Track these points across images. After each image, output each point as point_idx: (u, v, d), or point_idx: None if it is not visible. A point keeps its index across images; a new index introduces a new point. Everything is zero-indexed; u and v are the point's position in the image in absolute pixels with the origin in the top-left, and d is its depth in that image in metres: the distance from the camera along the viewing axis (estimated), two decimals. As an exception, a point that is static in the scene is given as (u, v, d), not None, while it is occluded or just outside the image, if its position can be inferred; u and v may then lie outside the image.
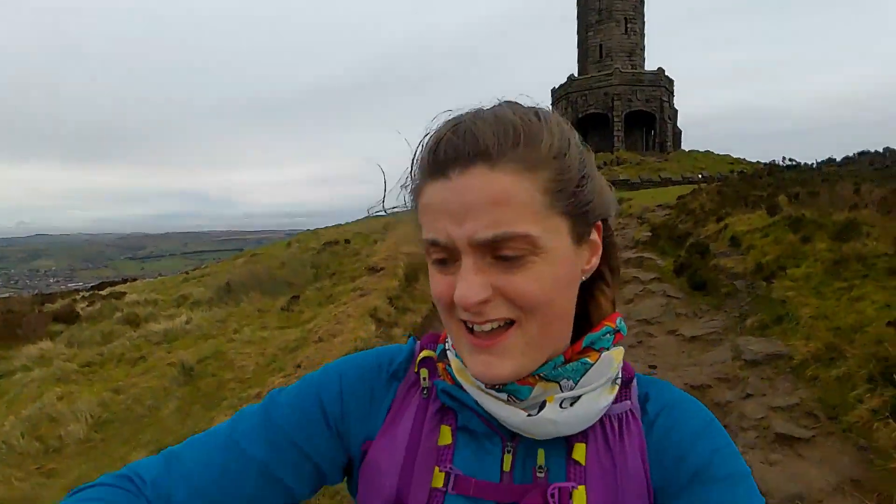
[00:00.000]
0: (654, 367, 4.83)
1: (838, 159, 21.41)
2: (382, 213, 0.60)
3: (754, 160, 32.23)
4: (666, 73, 37.13)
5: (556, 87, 39.53)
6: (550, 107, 0.54)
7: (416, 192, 0.53)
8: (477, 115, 0.51)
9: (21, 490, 4.22)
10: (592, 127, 35.83)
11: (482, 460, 0.55)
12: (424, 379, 0.60)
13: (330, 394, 0.61)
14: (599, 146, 33.64)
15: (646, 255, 9.37)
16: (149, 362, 7.14)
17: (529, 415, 0.52)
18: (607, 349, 0.55)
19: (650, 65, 39.54)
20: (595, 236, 0.55)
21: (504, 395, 0.53)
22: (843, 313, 4.58)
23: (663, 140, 36.46)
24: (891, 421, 3.03)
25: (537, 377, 0.53)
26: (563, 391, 0.53)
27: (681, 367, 4.77)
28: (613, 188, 0.59)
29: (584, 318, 0.58)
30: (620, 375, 0.57)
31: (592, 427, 0.54)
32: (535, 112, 0.51)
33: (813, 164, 20.60)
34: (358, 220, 21.96)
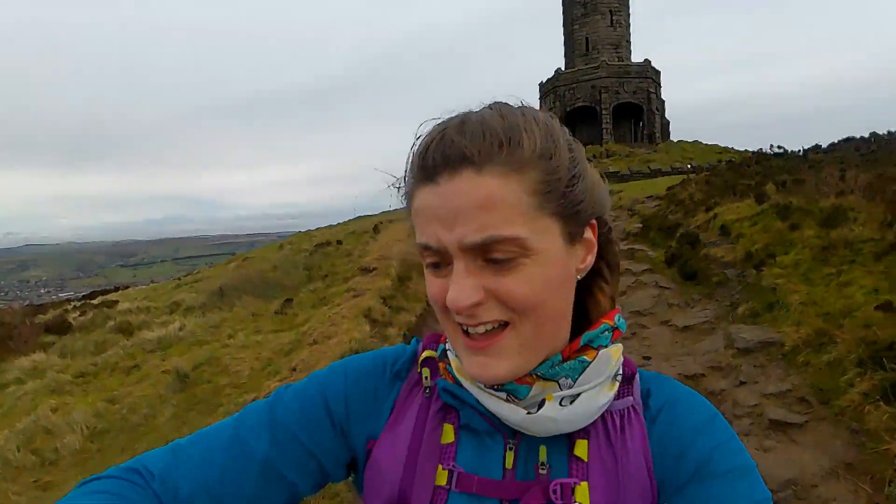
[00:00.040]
0: (647, 358, 4.86)
1: (824, 146, 21.58)
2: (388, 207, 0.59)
3: (742, 149, 32.41)
4: (652, 65, 37.24)
5: (544, 81, 39.43)
6: (539, 101, 0.53)
7: (409, 196, 0.54)
8: (464, 119, 0.51)
9: (18, 504, 4.20)
10: (581, 120, 35.85)
11: (484, 458, 0.55)
12: (426, 378, 0.61)
13: (334, 393, 0.62)
14: (588, 139, 33.68)
15: (637, 246, 9.43)
16: (143, 370, 7.09)
17: (529, 412, 0.52)
18: (605, 347, 0.55)
19: (636, 56, 39.66)
20: (589, 234, 0.55)
21: (503, 394, 0.53)
22: (831, 299, 4.63)
23: (651, 131, 36.56)
24: (881, 404, 3.07)
25: (535, 376, 0.53)
26: (561, 389, 0.53)
27: (674, 357, 4.80)
28: (606, 181, 0.59)
29: (584, 316, 0.58)
30: (621, 372, 0.57)
31: (594, 423, 0.55)
32: (523, 112, 0.51)
33: (800, 151, 20.74)
34: (350, 220, 21.93)
